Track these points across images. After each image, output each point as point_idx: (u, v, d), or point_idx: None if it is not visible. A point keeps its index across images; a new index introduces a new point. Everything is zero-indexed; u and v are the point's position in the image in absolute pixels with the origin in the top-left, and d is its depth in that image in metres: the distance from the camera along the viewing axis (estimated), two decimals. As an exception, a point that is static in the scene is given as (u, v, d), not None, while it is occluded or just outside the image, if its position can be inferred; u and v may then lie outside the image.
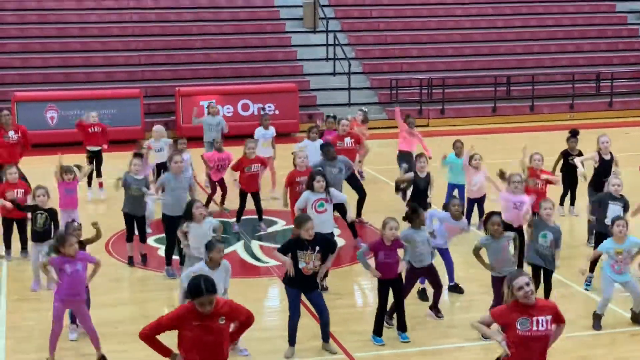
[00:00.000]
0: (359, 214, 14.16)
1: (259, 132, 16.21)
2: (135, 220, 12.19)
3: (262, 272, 12.17)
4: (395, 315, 9.69)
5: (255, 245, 13.33)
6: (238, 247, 13.19)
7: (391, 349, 9.34)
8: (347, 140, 14.77)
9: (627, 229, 9.80)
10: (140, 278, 11.91)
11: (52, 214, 11.28)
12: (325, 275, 10.68)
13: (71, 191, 12.53)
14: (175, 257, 11.84)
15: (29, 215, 11.50)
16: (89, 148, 16.25)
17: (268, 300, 11.30)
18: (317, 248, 8.99)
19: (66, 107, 22.41)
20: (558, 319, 6.90)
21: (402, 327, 9.56)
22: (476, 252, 9.60)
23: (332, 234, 11.01)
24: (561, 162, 14.48)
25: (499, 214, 9.77)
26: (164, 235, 12.05)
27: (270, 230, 14.14)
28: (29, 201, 11.81)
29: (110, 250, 12.91)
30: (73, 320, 9.63)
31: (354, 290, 11.66)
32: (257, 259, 12.71)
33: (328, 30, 26.88)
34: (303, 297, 9.19)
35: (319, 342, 9.28)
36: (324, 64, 26.68)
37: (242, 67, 25.67)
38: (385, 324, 9.61)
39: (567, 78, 26.95)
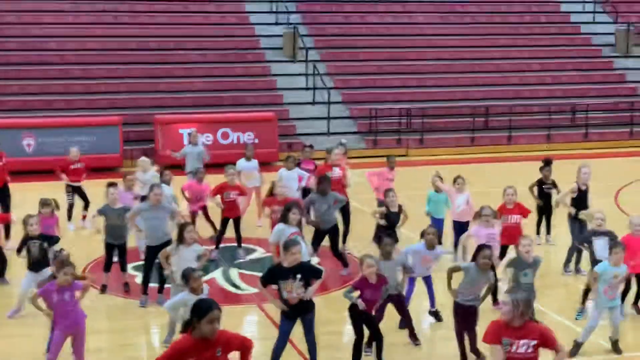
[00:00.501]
0: (343, 241, 14.06)
1: (240, 163, 16.04)
2: (116, 249, 12.13)
3: (242, 299, 12.13)
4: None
5: (234, 272, 13.28)
6: (217, 275, 13.13)
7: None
8: (336, 170, 14.53)
9: (624, 254, 9.95)
10: (120, 306, 11.81)
11: (43, 239, 11.10)
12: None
13: (50, 227, 12.09)
14: (154, 285, 11.82)
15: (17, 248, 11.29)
16: (71, 183, 15.94)
17: (248, 327, 11.25)
18: (299, 276, 8.91)
19: (44, 134, 22.34)
20: (547, 345, 6.91)
21: (378, 356, 9.55)
22: (450, 272, 9.66)
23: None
24: (536, 190, 14.62)
25: (490, 247, 9.70)
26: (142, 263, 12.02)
27: (249, 258, 14.11)
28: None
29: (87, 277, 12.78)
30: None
31: (338, 318, 11.57)
32: (236, 287, 12.66)
33: (308, 60, 27.03)
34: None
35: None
36: (304, 93, 26.81)
37: (223, 96, 25.73)
38: (364, 352, 9.58)
39: (544, 109, 27.23)
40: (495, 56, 29.44)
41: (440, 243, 13.87)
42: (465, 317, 9.42)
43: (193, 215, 14.93)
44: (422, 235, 10.96)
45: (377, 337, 9.54)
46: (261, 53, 27.86)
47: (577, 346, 9.97)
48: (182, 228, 10.27)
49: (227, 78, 26.53)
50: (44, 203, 12.31)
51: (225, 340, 6.35)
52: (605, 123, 27.61)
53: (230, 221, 13.88)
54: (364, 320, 9.39)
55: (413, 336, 10.27)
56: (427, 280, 11.00)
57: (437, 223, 14.02)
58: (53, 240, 11.21)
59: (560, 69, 29.52)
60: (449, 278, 9.63)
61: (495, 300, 11.41)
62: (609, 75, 29.77)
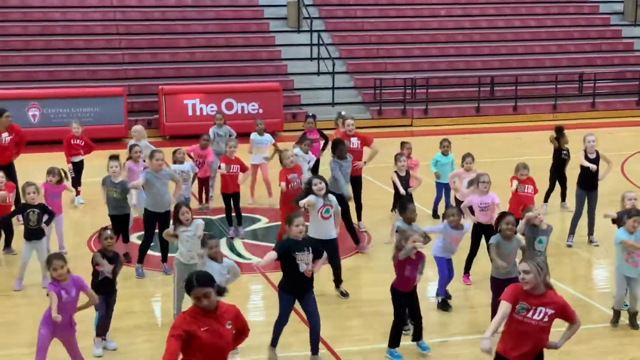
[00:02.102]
0: (358, 217, 13.80)
1: (254, 137, 15.50)
2: (118, 221, 12.11)
3: (245, 269, 12.14)
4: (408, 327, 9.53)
5: (238, 242, 13.29)
6: (221, 245, 13.11)
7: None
8: (354, 140, 14.13)
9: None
10: (123, 275, 11.79)
11: (42, 209, 11.16)
12: (341, 281, 10.77)
13: (56, 196, 12.19)
14: (157, 254, 11.86)
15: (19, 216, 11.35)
16: (72, 159, 15.57)
17: (252, 296, 11.30)
18: (310, 249, 8.85)
19: (48, 105, 22.32)
20: (566, 317, 6.90)
21: (418, 337, 9.32)
22: (489, 250, 9.60)
23: (336, 239, 10.78)
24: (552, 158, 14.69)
25: (512, 214, 9.68)
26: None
27: (253, 227, 14.11)
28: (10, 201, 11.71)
29: (92, 247, 12.83)
30: (99, 333, 9.29)
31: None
32: (241, 256, 12.68)
33: (312, 30, 26.88)
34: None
35: (301, 337, 9.26)
36: (308, 64, 26.67)
37: (226, 67, 25.63)
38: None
39: (550, 79, 27.07)
40: (500, 25, 29.22)
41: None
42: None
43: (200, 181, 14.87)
44: (444, 216, 10.78)
45: (417, 318, 9.26)
46: (265, 23, 27.70)
47: (616, 314, 9.98)
48: (176, 211, 10.13)
49: (230, 48, 26.41)
50: (49, 171, 12.30)
51: (234, 315, 6.40)
52: (612, 92, 27.46)
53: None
54: (407, 299, 9.16)
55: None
56: (449, 264, 10.68)
57: (440, 188, 14.12)
58: (50, 216, 11.18)
59: (567, 38, 29.31)
60: (490, 255, 9.52)
61: None
62: (616, 43, 29.54)
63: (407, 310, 9.27)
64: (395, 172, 13.21)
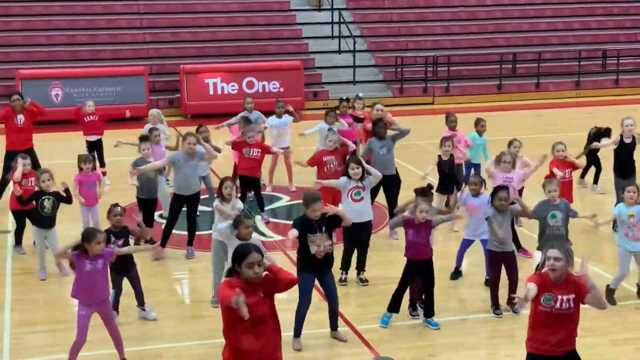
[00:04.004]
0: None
1: (271, 121, 14.92)
2: (147, 204, 11.84)
3: (267, 246, 12.17)
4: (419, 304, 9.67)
5: (259, 220, 13.34)
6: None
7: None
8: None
9: (637, 195, 9.87)
10: (147, 254, 11.84)
11: (57, 197, 10.91)
12: (363, 268, 10.70)
13: (91, 185, 11.72)
14: (182, 233, 11.91)
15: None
16: (87, 138, 15.54)
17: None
18: (324, 228, 8.80)
19: (71, 85, 22.46)
20: (581, 294, 6.52)
21: (429, 313, 9.41)
22: (489, 223, 9.71)
23: (370, 222, 10.70)
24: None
25: (506, 189, 9.81)
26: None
27: (275, 205, 14.15)
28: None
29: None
30: (115, 307, 9.34)
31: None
32: (262, 234, 12.73)
33: (333, 8, 26.78)
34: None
35: (322, 314, 9.30)
36: (329, 42, 26.60)
37: (248, 45, 25.62)
38: (409, 315, 9.57)
39: (573, 56, 26.84)
40: (522, 2, 28.95)
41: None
42: (502, 263, 9.63)
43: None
44: (467, 184, 10.90)
45: (428, 292, 9.33)
46: (286, 1, 27.61)
47: (610, 292, 9.95)
48: (221, 183, 10.06)
49: (252, 27, 26.38)
50: (84, 159, 11.84)
51: (269, 282, 6.31)
52: (636, 69, 27.18)
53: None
54: (422, 268, 9.26)
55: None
56: (482, 245, 10.62)
57: (469, 168, 13.77)
58: (65, 202, 11.04)
59: (590, 14, 29.02)
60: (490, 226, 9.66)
61: (518, 246, 11.39)
62: (640, 20, 29.24)
63: (418, 290, 9.52)
64: (439, 156, 12.59)
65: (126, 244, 9.27)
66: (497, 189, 9.80)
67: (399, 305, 9.40)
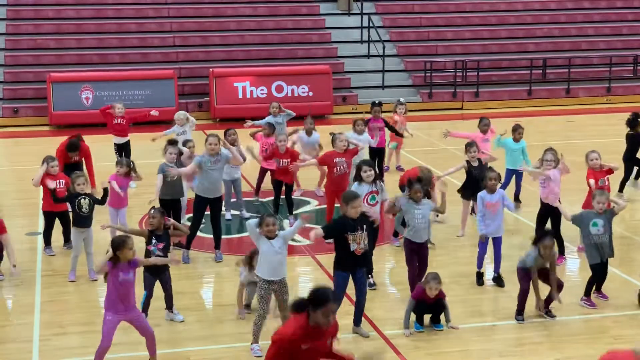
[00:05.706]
0: None
1: (302, 138, 14.75)
2: (170, 206, 11.83)
3: (295, 251, 12.18)
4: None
5: (286, 224, 13.31)
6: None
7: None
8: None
9: None
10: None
11: (92, 198, 11.10)
12: (370, 273, 10.63)
13: (123, 188, 11.85)
14: (207, 236, 11.92)
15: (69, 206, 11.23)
16: (114, 140, 15.63)
17: (301, 278, 11.34)
18: (364, 226, 8.93)
19: (101, 88, 22.63)
20: None
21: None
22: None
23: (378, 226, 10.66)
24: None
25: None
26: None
27: (302, 210, 14.14)
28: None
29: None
30: (144, 310, 9.29)
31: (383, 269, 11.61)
32: (292, 240, 12.68)
33: (362, 13, 26.76)
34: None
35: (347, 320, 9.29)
36: (358, 46, 26.59)
37: (276, 49, 25.67)
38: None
39: (604, 61, 26.61)
40: (552, 7, 28.77)
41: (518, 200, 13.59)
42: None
43: (262, 172, 14.43)
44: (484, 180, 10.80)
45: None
46: (316, 5, 27.65)
47: None
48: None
49: (280, 31, 26.42)
50: (119, 163, 12.08)
51: (334, 329, 6.31)
52: (667, 75, 26.92)
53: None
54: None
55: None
56: (496, 242, 10.62)
57: (510, 175, 13.55)
58: (100, 203, 11.23)
59: (620, 20, 28.77)
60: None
61: (562, 252, 11.28)
62: (672, 25, 28.93)
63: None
64: (467, 161, 12.45)
65: (167, 247, 9.41)
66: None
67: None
